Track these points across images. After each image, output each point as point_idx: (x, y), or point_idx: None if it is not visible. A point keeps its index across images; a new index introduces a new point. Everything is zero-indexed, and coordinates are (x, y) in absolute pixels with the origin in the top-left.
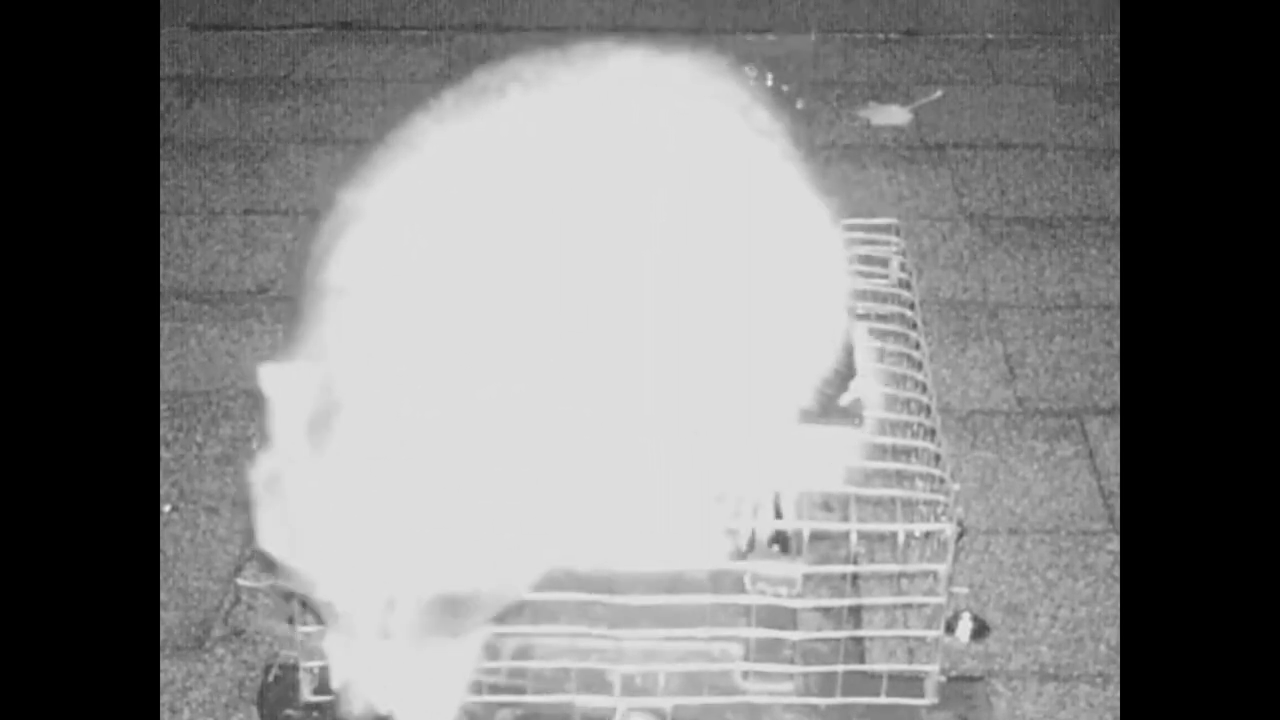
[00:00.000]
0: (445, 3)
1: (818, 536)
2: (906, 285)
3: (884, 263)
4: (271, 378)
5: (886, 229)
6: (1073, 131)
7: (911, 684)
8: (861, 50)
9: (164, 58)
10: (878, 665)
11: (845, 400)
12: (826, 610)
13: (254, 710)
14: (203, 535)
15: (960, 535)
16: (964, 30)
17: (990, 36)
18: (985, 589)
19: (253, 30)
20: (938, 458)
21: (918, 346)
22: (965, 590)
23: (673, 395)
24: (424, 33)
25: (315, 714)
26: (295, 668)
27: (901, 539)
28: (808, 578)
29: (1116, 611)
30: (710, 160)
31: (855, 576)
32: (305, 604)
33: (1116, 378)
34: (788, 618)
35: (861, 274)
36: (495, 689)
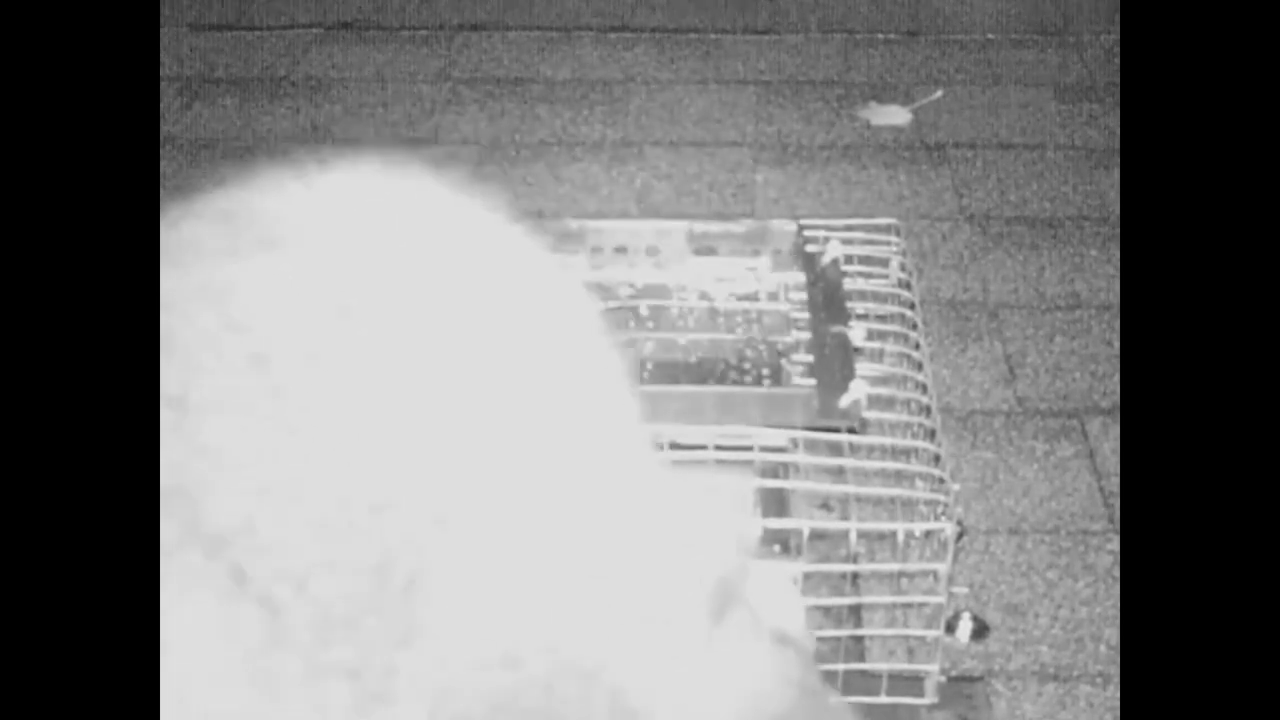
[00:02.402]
0: (445, 3)
1: (818, 536)
2: (906, 285)
3: (884, 263)
4: None
5: (886, 229)
6: (1073, 131)
7: (911, 684)
8: (861, 50)
9: (164, 58)
10: (878, 665)
11: (845, 401)
12: (826, 609)
13: None
14: None
15: (960, 535)
16: (964, 30)
17: (990, 36)
18: (985, 589)
19: (253, 30)
20: (937, 458)
21: (918, 347)
22: (965, 590)
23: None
24: (424, 33)
25: None
26: None
27: (901, 538)
28: (808, 577)
29: (1116, 611)
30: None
31: (855, 576)
32: None
33: (1116, 378)
34: None
35: (861, 274)
36: None
